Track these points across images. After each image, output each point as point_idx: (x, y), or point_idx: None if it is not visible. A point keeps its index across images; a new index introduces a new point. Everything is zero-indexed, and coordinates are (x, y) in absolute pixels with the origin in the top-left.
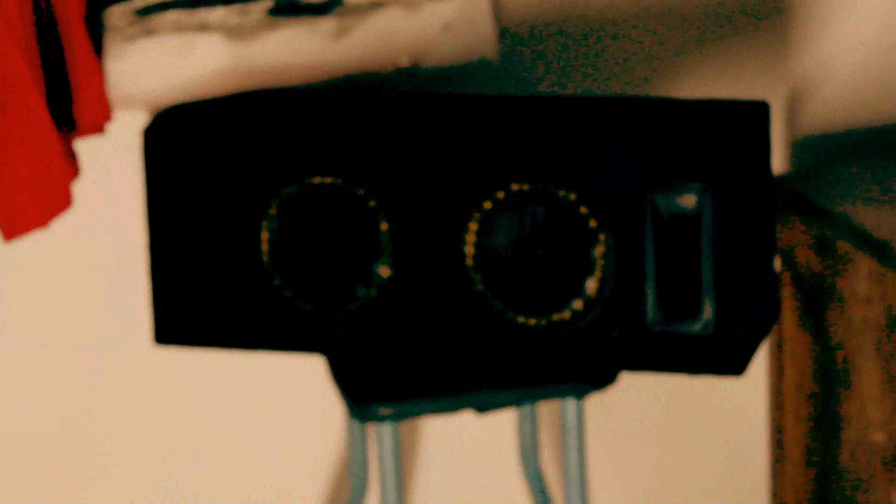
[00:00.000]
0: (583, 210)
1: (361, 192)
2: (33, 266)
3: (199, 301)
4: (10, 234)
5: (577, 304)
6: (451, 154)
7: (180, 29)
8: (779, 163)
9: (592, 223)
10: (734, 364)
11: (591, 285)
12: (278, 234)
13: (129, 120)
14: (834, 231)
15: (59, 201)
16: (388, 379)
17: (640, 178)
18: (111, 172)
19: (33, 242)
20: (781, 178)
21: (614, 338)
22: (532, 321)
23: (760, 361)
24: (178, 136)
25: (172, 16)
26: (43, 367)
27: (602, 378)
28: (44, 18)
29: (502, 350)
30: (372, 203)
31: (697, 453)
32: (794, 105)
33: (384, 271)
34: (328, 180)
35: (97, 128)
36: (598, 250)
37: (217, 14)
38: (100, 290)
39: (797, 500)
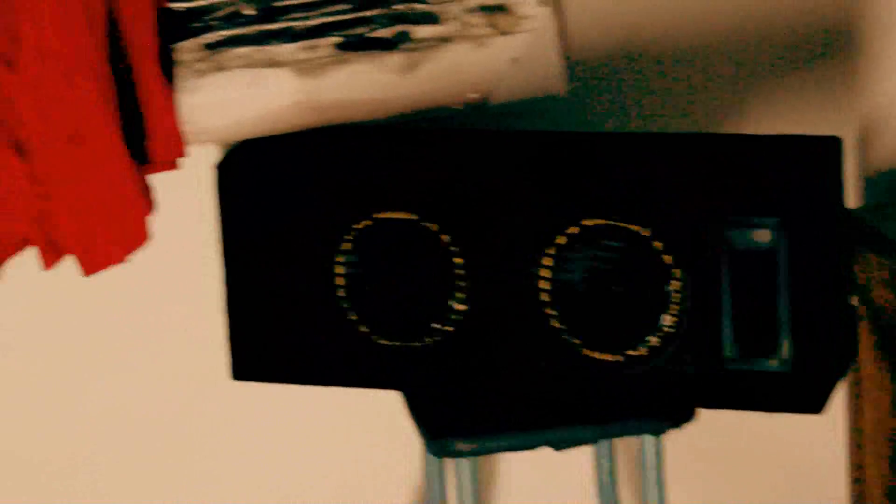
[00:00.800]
0: (657, 245)
1: (435, 227)
2: (108, 298)
3: (275, 336)
4: (90, 269)
5: (653, 340)
6: (524, 189)
7: (250, 64)
8: (852, 198)
9: (667, 258)
10: (813, 402)
11: (667, 321)
12: (353, 269)
13: (201, 155)
14: None
15: (137, 236)
16: (465, 414)
17: (714, 213)
18: (186, 207)
19: (107, 275)
20: (855, 214)
21: (690, 374)
22: (608, 357)
23: (838, 398)
24: (251, 172)
25: (242, 51)
26: (101, 396)
27: (679, 415)
28: (118, 54)
29: (578, 386)
30: (445, 238)
31: (776, 491)
32: (866, 140)
33: (459, 306)
34: (402, 215)
35: (171, 163)
36: (673, 285)
37: (286, 49)
38: (173, 326)
39: None
